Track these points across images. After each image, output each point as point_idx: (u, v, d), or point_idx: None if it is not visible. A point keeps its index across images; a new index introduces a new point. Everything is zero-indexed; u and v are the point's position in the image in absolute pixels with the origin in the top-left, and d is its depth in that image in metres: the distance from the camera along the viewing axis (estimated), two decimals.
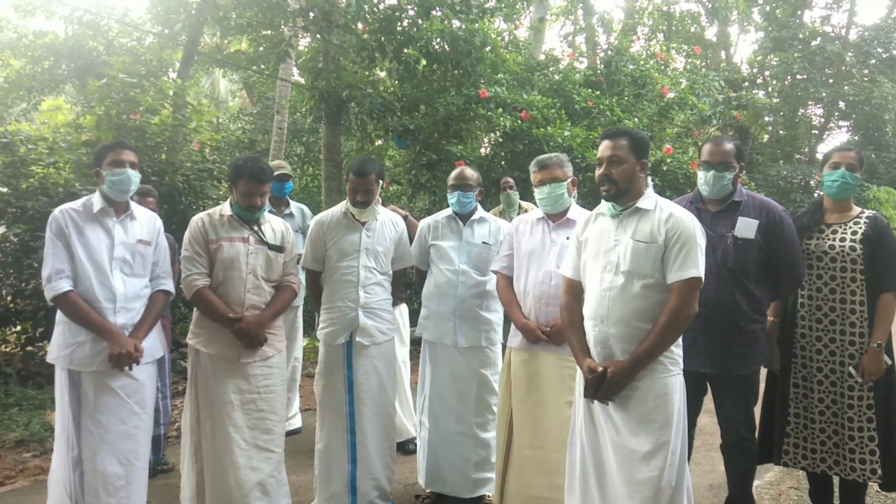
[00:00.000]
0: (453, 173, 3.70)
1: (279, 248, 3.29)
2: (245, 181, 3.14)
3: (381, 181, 3.53)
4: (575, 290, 2.74)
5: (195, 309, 3.25)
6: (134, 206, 3.15)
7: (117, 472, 2.92)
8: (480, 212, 3.71)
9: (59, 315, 2.98)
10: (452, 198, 3.65)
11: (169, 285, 3.22)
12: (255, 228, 3.26)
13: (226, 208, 3.27)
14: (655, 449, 2.41)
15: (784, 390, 3.22)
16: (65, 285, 2.87)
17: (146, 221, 3.17)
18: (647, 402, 2.45)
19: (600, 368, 2.47)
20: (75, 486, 2.87)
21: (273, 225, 3.36)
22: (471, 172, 3.67)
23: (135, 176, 3.06)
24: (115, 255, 2.99)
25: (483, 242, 3.60)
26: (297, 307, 4.68)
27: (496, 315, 3.64)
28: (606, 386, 2.45)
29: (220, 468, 3.10)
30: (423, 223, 3.78)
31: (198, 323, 3.21)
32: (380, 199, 3.65)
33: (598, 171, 2.61)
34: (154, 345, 3.14)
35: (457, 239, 3.62)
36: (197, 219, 3.23)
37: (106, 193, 3.03)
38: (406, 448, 4.41)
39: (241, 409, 3.13)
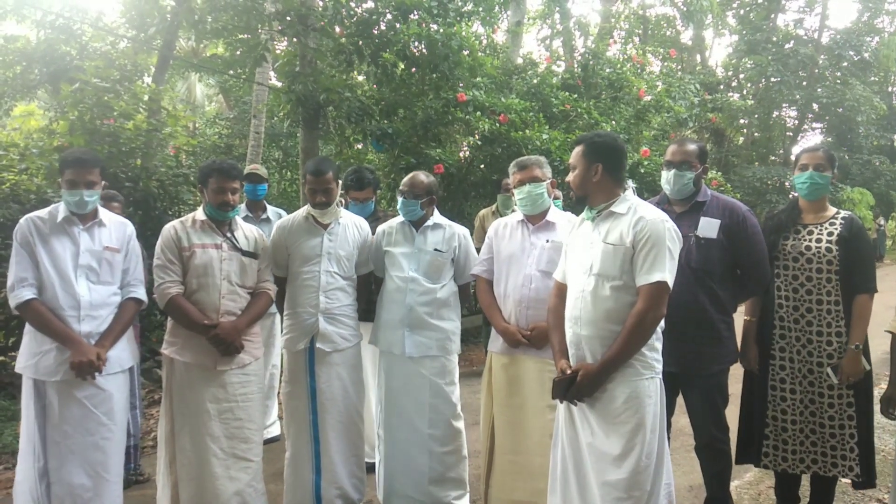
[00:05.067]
0: (405, 178, 3.55)
1: (253, 255, 3.26)
2: (215, 178, 3.13)
3: (338, 181, 3.49)
4: (563, 294, 2.75)
5: (169, 318, 3.19)
6: (103, 213, 3.10)
7: (85, 483, 2.87)
8: (436, 218, 3.57)
9: (27, 324, 2.93)
10: (399, 204, 3.53)
11: (140, 293, 3.15)
12: (229, 235, 3.22)
13: (199, 213, 3.23)
14: (625, 452, 2.43)
15: (762, 392, 3.23)
16: (27, 293, 2.83)
17: (116, 228, 3.11)
18: (616, 405, 2.47)
19: (569, 371, 2.50)
20: (42, 497, 2.83)
21: (246, 231, 3.32)
22: (421, 180, 3.50)
23: (90, 196, 2.97)
24: (80, 263, 2.93)
25: (435, 250, 3.46)
26: (274, 314, 4.62)
27: (451, 323, 3.49)
28: (575, 389, 2.48)
29: (196, 479, 3.05)
30: (379, 229, 3.64)
31: (172, 331, 3.16)
32: (342, 202, 3.58)
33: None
34: (123, 354, 3.07)
35: (409, 246, 3.49)
36: (169, 226, 3.18)
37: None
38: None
39: (219, 419, 3.09)
